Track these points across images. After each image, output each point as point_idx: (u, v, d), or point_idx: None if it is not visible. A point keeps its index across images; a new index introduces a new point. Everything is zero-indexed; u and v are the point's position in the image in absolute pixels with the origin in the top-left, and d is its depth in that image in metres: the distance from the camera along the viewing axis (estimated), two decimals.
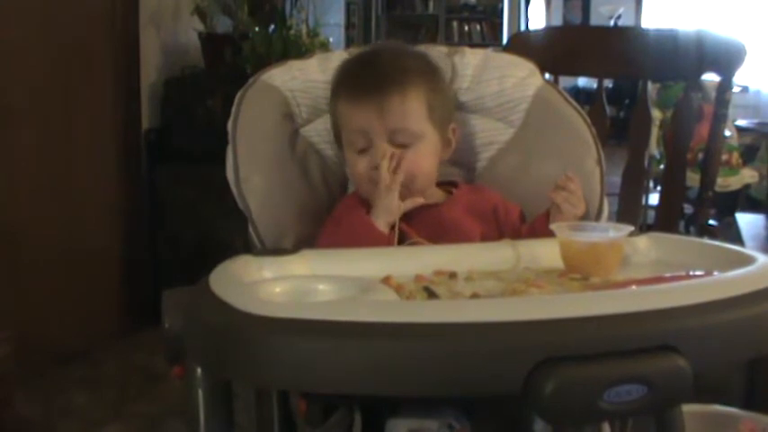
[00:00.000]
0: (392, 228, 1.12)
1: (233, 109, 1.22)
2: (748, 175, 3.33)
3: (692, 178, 2.19)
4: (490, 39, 8.49)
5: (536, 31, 2.88)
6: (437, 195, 1.23)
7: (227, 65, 2.94)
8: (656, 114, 3.05)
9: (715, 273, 0.86)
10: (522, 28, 7.16)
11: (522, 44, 1.74)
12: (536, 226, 1.17)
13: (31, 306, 2.50)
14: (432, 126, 1.18)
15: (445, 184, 1.25)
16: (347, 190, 1.30)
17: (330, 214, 1.20)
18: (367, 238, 1.10)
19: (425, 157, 1.18)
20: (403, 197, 1.14)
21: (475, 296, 0.87)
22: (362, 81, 1.18)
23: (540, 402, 0.66)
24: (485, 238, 1.16)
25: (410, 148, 1.16)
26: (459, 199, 1.22)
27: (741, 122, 3.99)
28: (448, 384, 0.68)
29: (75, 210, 2.71)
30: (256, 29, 2.96)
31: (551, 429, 0.86)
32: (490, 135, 1.30)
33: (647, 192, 2.93)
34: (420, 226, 1.14)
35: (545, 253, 1.02)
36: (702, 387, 0.74)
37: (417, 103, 1.17)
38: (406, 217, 1.15)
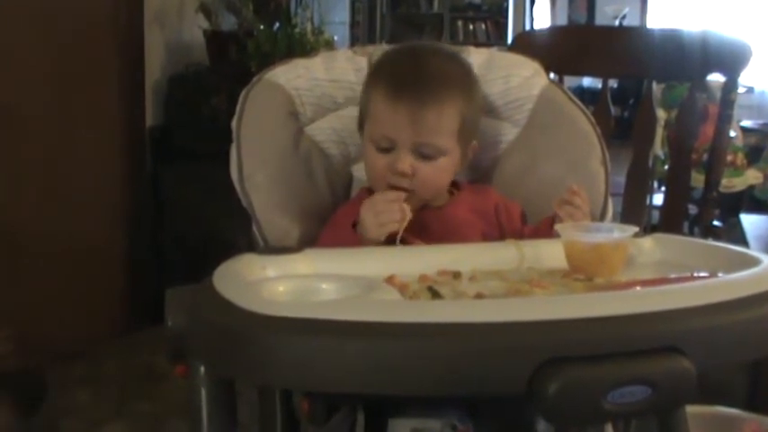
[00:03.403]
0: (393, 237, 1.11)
1: (237, 107, 1.22)
2: (753, 176, 3.33)
3: (697, 179, 2.19)
4: (495, 38, 8.46)
5: (541, 31, 2.88)
6: (440, 197, 1.23)
7: (232, 63, 2.93)
8: (661, 114, 3.04)
9: (719, 274, 0.86)
10: (527, 27, 7.17)
11: (527, 44, 1.74)
12: (539, 231, 1.16)
13: (32, 305, 2.50)
14: (457, 143, 1.16)
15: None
16: (351, 189, 1.30)
17: (335, 212, 1.20)
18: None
19: (443, 173, 1.17)
20: (409, 203, 1.13)
21: (479, 296, 0.87)
22: (404, 80, 1.14)
23: (543, 403, 0.66)
24: (487, 238, 1.16)
25: (431, 161, 1.15)
26: (462, 199, 1.21)
27: (746, 123, 3.99)
28: (451, 384, 0.68)
29: (77, 208, 2.71)
30: (261, 27, 2.95)
31: (554, 430, 0.86)
32: (495, 135, 1.30)
33: (652, 192, 2.92)
34: (423, 227, 1.14)
35: (549, 253, 1.02)
36: (706, 388, 0.73)
37: (451, 120, 1.14)
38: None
